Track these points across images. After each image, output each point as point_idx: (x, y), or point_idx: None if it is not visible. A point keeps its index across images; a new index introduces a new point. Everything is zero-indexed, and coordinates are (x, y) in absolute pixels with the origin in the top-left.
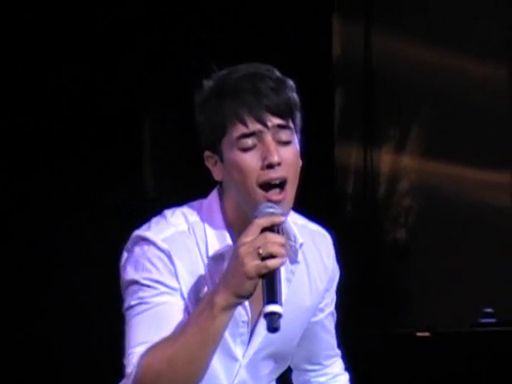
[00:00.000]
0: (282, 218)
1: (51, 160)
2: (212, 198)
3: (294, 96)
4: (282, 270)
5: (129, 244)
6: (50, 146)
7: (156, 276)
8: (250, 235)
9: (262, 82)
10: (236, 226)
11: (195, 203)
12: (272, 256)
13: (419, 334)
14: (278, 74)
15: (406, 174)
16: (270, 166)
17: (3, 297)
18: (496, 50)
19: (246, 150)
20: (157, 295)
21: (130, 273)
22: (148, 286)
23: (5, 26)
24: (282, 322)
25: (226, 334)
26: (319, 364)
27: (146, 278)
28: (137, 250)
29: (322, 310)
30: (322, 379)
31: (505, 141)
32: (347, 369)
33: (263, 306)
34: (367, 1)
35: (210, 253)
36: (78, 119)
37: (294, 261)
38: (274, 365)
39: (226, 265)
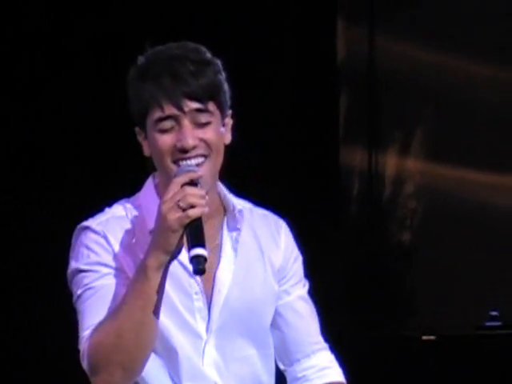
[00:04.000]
0: (200, 173)
1: (49, 161)
2: (148, 182)
3: (217, 78)
4: (227, 240)
5: (72, 240)
6: (49, 149)
7: (95, 259)
8: (168, 193)
9: (182, 66)
10: None
11: (136, 194)
12: (192, 207)
13: (424, 337)
14: (203, 55)
15: (410, 176)
16: (184, 151)
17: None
18: (501, 52)
19: (163, 131)
20: (99, 278)
21: (72, 264)
22: (90, 271)
23: (7, 28)
24: (240, 292)
25: (183, 311)
26: (301, 353)
27: (86, 264)
28: (77, 241)
29: (287, 292)
30: (308, 372)
31: (510, 143)
32: (350, 371)
33: (188, 251)
34: (371, 3)
35: (149, 228)
36: (78, 121)
37: (234, 228)
38: (254, 350)
39: None
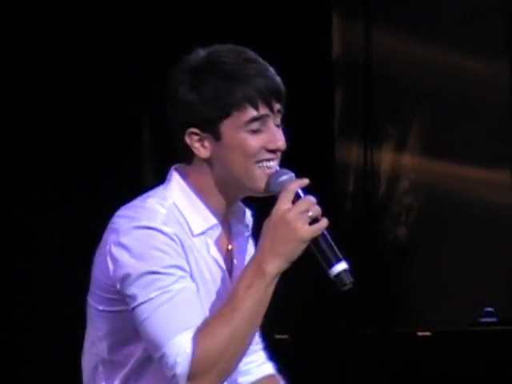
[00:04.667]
0: (307, 180)
1: (49, 161)
2: (176, 181)
3: None
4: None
5: (119, 238)
6: (48, 147)
7: (170, 261)
8: (287, 202)
9: (263, 66)
10: (215, 204)
11: (157, 190)
12: (318, 218)
13: (420, 333)
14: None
15: (406, 173)
16: (274, 151)
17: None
18: (496, 48)
19: (254, 132)
20: (176, 282)
21: (137, 266)
22: (165, 274)
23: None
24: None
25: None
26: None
27: (161, 266)
28: (136, 240)
29: None
30: (249, 366)
31: (505, 139)
32: (345, 366)
33: (328, 267)
34: None
35: (195, 231)
36: (77, 119)
37: (243, 222)
38: None
39: (209, 241)
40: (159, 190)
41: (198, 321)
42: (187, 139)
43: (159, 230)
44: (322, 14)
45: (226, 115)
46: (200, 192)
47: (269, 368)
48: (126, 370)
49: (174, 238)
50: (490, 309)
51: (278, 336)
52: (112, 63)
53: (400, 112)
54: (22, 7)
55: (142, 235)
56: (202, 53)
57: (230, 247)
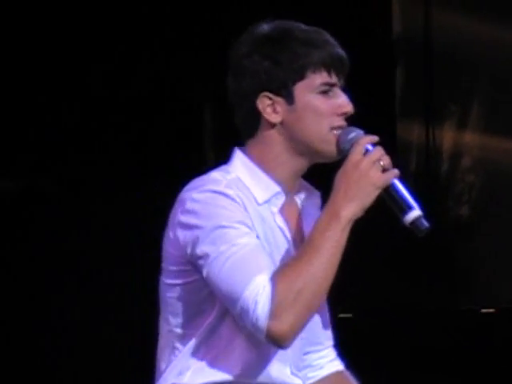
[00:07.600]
0: (377, 137)
1: (112, 145)
2: (238, 157)
3: None
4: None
5: (186, 206)
6: (111, 131)
7: (235, 217)
8: (359, 153)
9: (332, 38)
10: (279, 173)
11: (221, 167)
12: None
13: (484, 310)
14: None
15: (468, 150)
16: (345, 114)
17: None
18: None
19: (324, 93)
20: (243, 235)
21: (204, 225)
22: (231, 228)
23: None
24: None
25: None
26: (321, 344)
27: (227, 221)
28: (201, 203)
29: None
30: (322, 361)
31: None
32: (408, 344)
33: (402, 216)
34: None
35: (259, 200)
36: (140, 105)
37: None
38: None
39: (273, 209)
40: (222, 167)
41: (271, 266)
42: (259, 104)
43: (223, 193)
44: None
45: (301, 77)
46: (262, 163)
47: (339, 364)
48: (197, 339)
49: (237, 199)
50: None
51: (341, 315)
52: (172, 48)
53: (461, 89)
54: None
55: (207, 198)
56: (267, 26)
57: (298, 218)
